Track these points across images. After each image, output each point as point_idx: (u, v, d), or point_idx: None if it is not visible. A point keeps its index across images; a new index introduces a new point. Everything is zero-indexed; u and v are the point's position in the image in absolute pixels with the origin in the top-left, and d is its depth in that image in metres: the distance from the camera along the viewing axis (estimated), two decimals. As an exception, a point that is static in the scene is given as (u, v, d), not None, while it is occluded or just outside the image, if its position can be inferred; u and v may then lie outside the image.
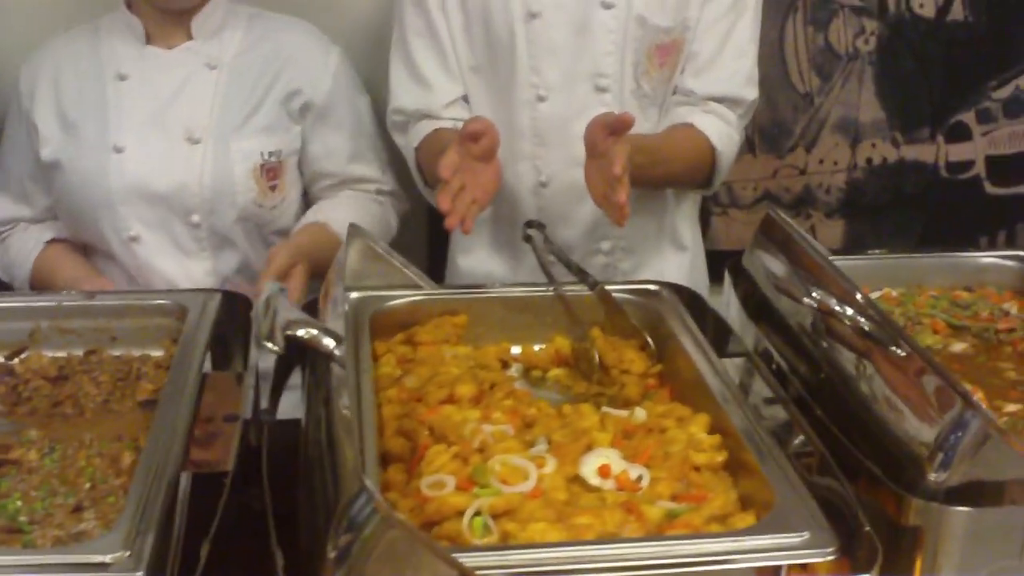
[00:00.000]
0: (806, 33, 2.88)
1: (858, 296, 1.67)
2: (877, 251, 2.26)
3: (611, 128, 1.93)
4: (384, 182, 2.49)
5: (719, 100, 2.25)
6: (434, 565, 1.14)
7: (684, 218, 2.43)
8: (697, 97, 2.24)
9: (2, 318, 1.88)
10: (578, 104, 2.20)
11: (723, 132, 2.23)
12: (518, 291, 1.96)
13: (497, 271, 2.36)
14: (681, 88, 2.26)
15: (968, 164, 3.08)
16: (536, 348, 1.90)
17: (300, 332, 1.56)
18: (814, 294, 1.69)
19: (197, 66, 2.31)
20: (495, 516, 1.37)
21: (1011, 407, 1.74)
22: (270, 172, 2.32)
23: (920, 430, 1.45)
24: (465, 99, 2.28)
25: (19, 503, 1.43)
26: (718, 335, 1.84)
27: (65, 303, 1.91)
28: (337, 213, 2.34)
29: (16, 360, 1.84)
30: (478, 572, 1.16)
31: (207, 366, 1.73)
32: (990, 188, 3.11)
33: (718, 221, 2.99)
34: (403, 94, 2.30)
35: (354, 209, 2.38)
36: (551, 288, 1.91)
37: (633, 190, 2.26)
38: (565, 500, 1.40)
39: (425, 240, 2.79)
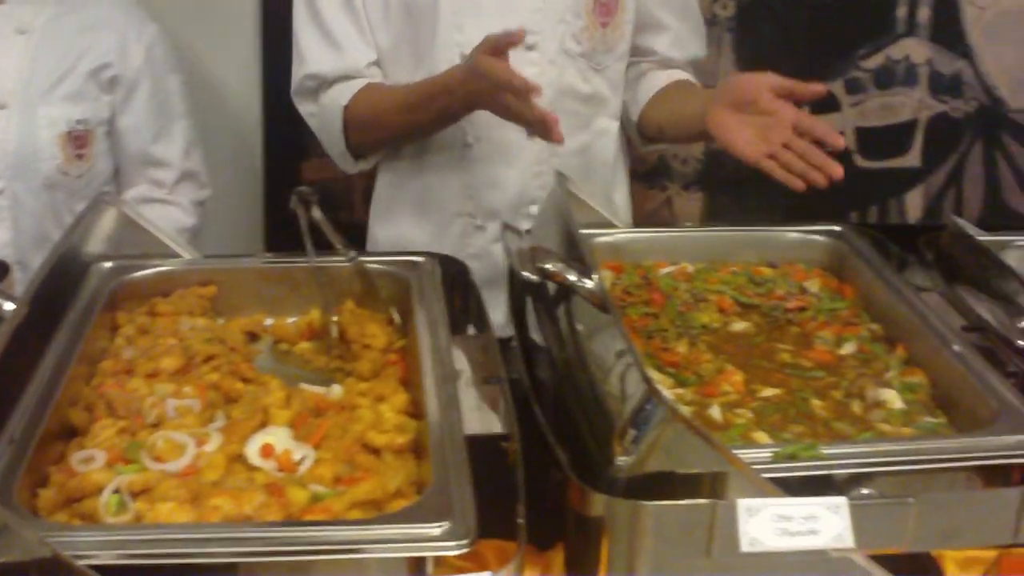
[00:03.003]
0: (656, -3, 2.75)
1: (592, 273, 1.60)
2: (689, 224, 2.18)
3: (786, 92, 1.85)
4: (183, 165, 2.42)
5: (692, 62, 2.35)
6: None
7: (619, 189, 2.36)
8: (678, 62, 2.31)
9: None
10: None
11: None
12: (276, 262, 1.89)
13: (420, 238, 2.24)
14: (663, 57, 2.29)
15: (836, 136, 2.96)
16: (289, 321, 1.83)
17: None
18: (550, 267, 1.60)
19: (7, 31, 2.25)
20: (135, 494, 1.32)
21: (768, 391, 1.66)
22: (77, 140, 2.27)
23: (610, 418, 1.38)
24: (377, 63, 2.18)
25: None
26: (472, 310, 1.77)
27: None
28: None
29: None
30: (81, 553, 1.14)
31: None
32: (861, 161, 2.99)
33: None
34: (318, 59, 2.15)
35: None
36: (308, 260, 1.83)
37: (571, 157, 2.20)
38: (215, 480, 1.35)
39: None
